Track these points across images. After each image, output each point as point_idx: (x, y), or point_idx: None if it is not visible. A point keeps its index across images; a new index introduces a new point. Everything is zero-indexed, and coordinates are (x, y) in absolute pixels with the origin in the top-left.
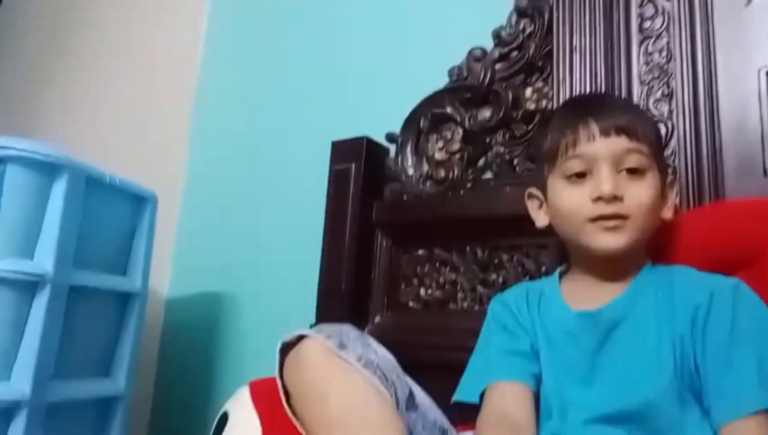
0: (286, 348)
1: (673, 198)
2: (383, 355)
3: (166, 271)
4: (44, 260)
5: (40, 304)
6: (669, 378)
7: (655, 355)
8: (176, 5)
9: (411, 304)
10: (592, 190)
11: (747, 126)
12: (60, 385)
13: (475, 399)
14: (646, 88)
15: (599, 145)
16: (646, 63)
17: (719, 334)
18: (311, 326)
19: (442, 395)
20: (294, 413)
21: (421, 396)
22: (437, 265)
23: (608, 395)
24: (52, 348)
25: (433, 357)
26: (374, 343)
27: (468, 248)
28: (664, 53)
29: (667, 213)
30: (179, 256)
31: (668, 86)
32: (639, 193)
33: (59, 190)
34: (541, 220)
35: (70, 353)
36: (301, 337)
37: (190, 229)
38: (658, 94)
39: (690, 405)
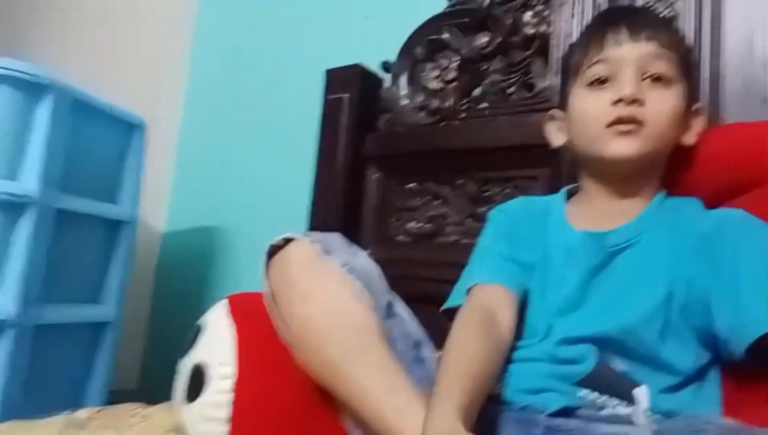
0: (273, 251)
1: (699, 126)
2: (368, 264)
3: (164, 204)
4: (29, 182)
5: (26, 225)
6: (652, 308)
7: (647, 285)
8: None
9: (400, 237)
10: (613, 93)
11: (752, 52)
12: (48, 308)
13: (461, 301)
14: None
15: (626, 49)
16: None
17: (735, 255)
18: None
19: (427, 327)
20: (279, 313)
21: (401, 308)
22: (428, 198)
23: (591, 319)
24: (38, 271)
25: (420, 290)
26: (360, 252)
27: (460, 181)
28: None
29: (689, 138)
30: (176, 188)
31: (672, 8)
32: (660, 101)
33: (44, 111)
34: (558, 139)
35: (59, 277)
36: (288, 241)
37: (188, 162)
38: (661, 14)
39: (675, 341)
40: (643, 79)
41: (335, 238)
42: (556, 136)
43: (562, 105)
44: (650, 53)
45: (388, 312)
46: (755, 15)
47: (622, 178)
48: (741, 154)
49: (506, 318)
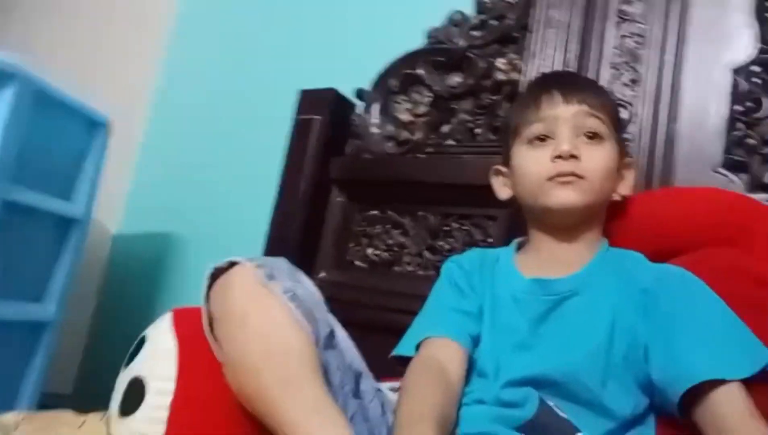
0: (217, 274)
1: (631, 178)
2: (311, 291)
3: (120, 206)
4: None
5: None
6: (592, 352)
7: (589, 331)
8: None
9: (357, 262)
10: (552, 150)
11: (705, 120)
12: None
13: (411, 352)
14: (614, 71)
15: (561, 110)
16: (618, 47)
17: (673, 309)
18: None
19: (376, 355)
20: (215, 339)
21: (342, 337)
22: (388, 226)
23: (535, 361)
24: None
25: (373, 317)
26: (305, 279)
27: (420, 213)
28: (637, 38)
29: (624, 190)
30: (134, 191)
31: (636, 72)
32: (596, 156)
33: (5, 98)
34: (504, 193)
35: (1, 271)
36: (232, 264)
37: (148, 165)
38: (626, 78)
39: (615, 386)
40: (578, 137)
41: (280, 263)
42: (501, 189)
43: (505, 162)
44: (582, 112)
45: (329, 342)
46: (712, 82)
47: (566, 227)
48: (676, 217)
49: (455, 370)
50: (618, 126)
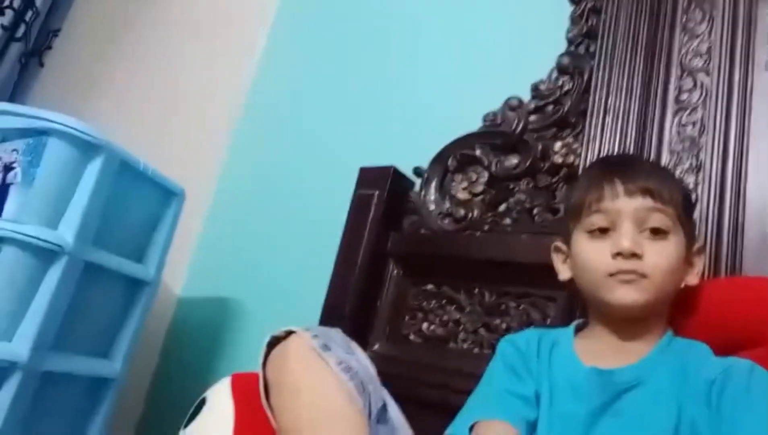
0: (274, 342)
1: (700, 266)
2: (365, 364)
3: (184, 270)
4: (66, 232)
5: (55, 273)
6: None
7: (654, 424)
8: (236, 29)
9: (412, 337)
10: (612, 245)
11: None
12: (58, 356)
13: (463, 434)
14: (675, 157)
15: (622, 203)
16: (678, 133)
17: (737, 404)
18: None
19: (428, 433)
20: (270, 406)
21: (395, 411)
22: (444, 302)
23: None
24: (56, 318)
25: (424, 393)
26: (359, 351)
27: (477, 290)
28: (698, 126)
29: (693, 279)
30: (199, 256)
31: (697, 159)
32: (659, 253)
33: (93, 169)
34: (564, 273)
35: (73, 327)
36: (289, 333)
37: (214, 233)
38: (687, 165)
39: None
40: (641, 232)
41: (336, 334)
42: (562, 268)
43: (566, 241)
44: (646, 208)
45: (381, 416)
46: None
47: (628, 320)
48: (744, 308)
49: None
50: (687, 214)
